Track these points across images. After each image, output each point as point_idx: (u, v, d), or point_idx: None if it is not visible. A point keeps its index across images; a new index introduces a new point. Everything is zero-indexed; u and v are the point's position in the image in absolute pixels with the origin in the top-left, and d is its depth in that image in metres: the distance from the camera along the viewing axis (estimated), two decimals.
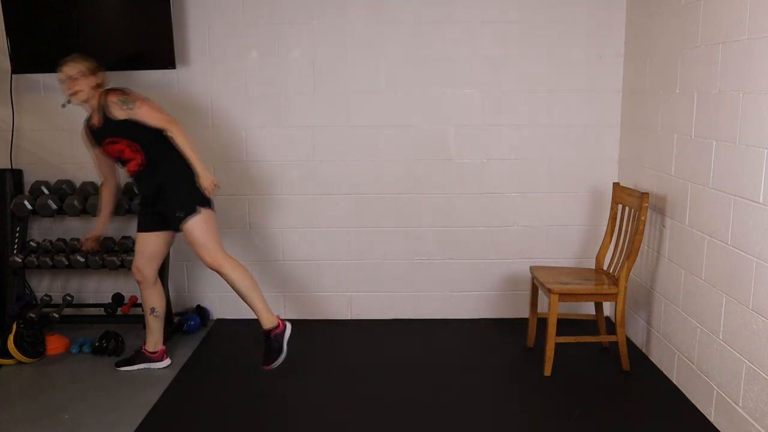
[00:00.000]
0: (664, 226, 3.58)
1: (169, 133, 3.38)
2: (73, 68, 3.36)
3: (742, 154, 2.80)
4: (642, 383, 3.49)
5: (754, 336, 2.73)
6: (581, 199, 4.31)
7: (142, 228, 3.61)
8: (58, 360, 3.87)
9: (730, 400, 2.91)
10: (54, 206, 4.13)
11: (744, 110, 2.78)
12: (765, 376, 2.65)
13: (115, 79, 4.20)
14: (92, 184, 4.25)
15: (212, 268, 3.43)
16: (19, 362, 3.79)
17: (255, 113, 4.24)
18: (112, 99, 3.36)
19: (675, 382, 3.44)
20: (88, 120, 3.50)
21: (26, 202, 4.14)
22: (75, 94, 3.35)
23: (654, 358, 3.72)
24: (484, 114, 4.22)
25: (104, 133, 3.42)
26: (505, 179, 4.29)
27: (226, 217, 4.36)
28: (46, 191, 4.21)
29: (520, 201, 4.31)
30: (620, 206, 3.83)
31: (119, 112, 3.34)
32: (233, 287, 3.45)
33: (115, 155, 3.48)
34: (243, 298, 3.46)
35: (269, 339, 3.43)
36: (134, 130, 3.37)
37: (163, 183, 3.47)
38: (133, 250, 4.20)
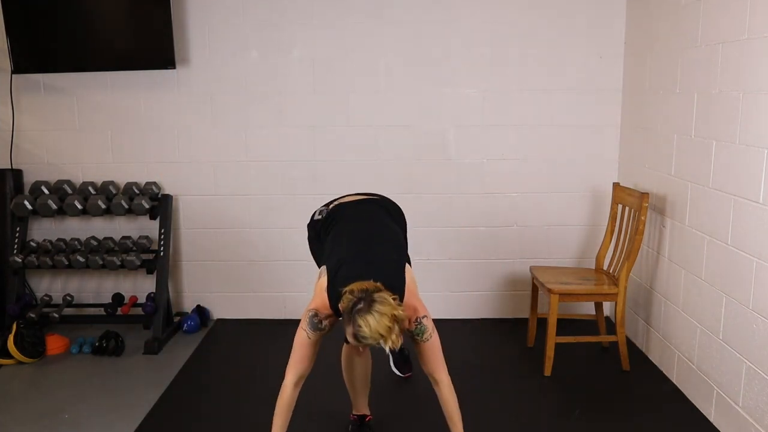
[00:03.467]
0: (664, 226, 3.58)
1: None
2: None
3: (742, 154, 2.80)
4: (642, 383, 3.49)
5: (754, 336, 2.73)
6: (581, 199, 4.31)
7: None
8: (58, 360, 3.87)
9: (730, 400, 2.91)
10: (54, 206, 4.13)
11: (744, 110, 2.78)
12: (765, 376, 2.65)
13: (115, 78, 4.22)
14: (92, 183, 4.25)
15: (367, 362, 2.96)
16: (19, 362, 3.79)
17: (255, 113, 4.24)
18: (410, 324, 2.58)
19: (675, 382, 3.44)
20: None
21: (26, 202, 4.14)
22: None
23: (654, 358, 3.72)
24: (483, 114, 4.22)
25: None
26: (505, 179, 4.29)
27: (226, 217, 4.36)
28: (46, 191, 4.21)
29: (520, 201, 4.31)
30: (620, 206, 3.83)
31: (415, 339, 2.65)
32: (370, 367, 3.00)
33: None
34: (369, 377, 3.01)
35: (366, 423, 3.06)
36: None
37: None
38: (133, 249, 4.21)
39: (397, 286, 2.50)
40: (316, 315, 2.55)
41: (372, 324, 2.27)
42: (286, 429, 2.58)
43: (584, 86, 4.17)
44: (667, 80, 3.52)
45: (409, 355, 3.38)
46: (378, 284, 2.39)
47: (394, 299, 2.35)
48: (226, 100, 4.24)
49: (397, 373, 3.39)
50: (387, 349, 2.33)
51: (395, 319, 2.31)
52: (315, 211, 2.94)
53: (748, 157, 2.75)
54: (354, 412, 3.06)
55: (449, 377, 2.62)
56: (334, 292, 2.50)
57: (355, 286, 2.38)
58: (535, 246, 4.36)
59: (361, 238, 2.69)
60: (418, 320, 2.57)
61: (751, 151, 2.73)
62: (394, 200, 3.03)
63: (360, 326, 2.28)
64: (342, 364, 2.98)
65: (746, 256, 2.78)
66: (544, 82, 4.17)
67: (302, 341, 2.56)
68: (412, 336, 2.60)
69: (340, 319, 2.48)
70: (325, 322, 2.57)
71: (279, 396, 2.58)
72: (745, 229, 2.80)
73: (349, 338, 2.39)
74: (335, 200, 2.96)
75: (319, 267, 2.78)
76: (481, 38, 4.13)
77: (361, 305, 2.30)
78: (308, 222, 2.96)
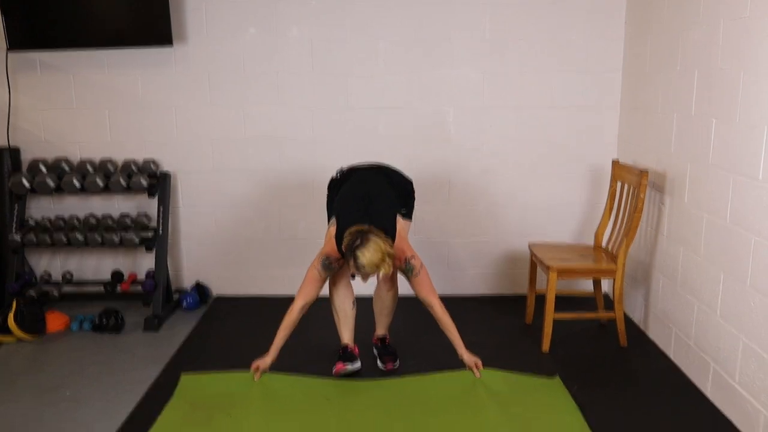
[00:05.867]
0: (663, 204, 3.58)
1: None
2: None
3: (742, 132, 2.79)
4: (639, 359, 3.52)
5: (751, 313, 2.74)
6: (580, 176, 4.31)
7: None
8: (59, 337, 3.89)
9: (726, 376, 2.94)
10: (52, 184, 4.12)
11: (744, 88, 2.77)
12: (761, 353, 2.67)
13: (112, 56, 4.19)
14: (90, 161, 4.24)
15: (385, 279, 3.39)
16: (20, 339, 3.81)
17: (253, 91, 4.22)
18: (401, 263, 3.19)
19: (672, 359, 3.47)
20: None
21: (24, 180, 4.13)
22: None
23: (652, 334, 3.75)
24: (483, 95, 4.20)
25: None
26: (504, 158, 4.28)
27: (225, 194, 4.36)
28: (44, 169, 4.19)
29: (519, 179, 4.31)
30: (619, 184, 3.83)
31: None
32: (388, 302, 3.48)
33: None
34: (387, 312, 3.52)
35: (387, 344, 3.54)
36: None
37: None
38: (132, 227, 4.20)
39: (388, 230, 3.06)
40: (328, 258, 3.17)
41: (368, 256, 2.87)
42: (286, 341, 3.24)
43: (584, 65, 4.15)
44: (667, 58, 3.50)
45: (395, 352, 3.50)
46: (371, 227, 2.98)
47: (384, 239, 2.93)
48: (224, 78, 4.21)
49: (381, 366, 3.43)
50: (380, 275, 3.07)
51: (386, 253, 2.90)
52: (335, 172, 3.49)
53: (748, 135, 2.75)
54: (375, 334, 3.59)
55: (440, 300, 3.22)
56: (340, 237, 3.05)
57: (354, 228, 2.98)
58: (534, 223, 4.36)
59: (362, 196, 3.25)
60: (407, 260, 3.17)
61: (751, 129, 2.73)
62: (403, 173, 3.52)
63: (358, 258, 2.88)
64: (371, 296, 3.55)
65: (745, 234, 2.78)
66: (544, 63, 4.15)
67: (313, 277, 3.18)
68: (404, 273, 3.21)
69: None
70: (335, 264, 3.19)
71: (286, 315, 3.21)
72: (744, 206, 2.80)
73: (352, 271, 3.01)
74: (351, 165, 3.50)
75: (330, 220, 3.34)
76: (481, 19, 4.10)
77: (358, 242, 2.90)
78: (328, 183, 3.50)
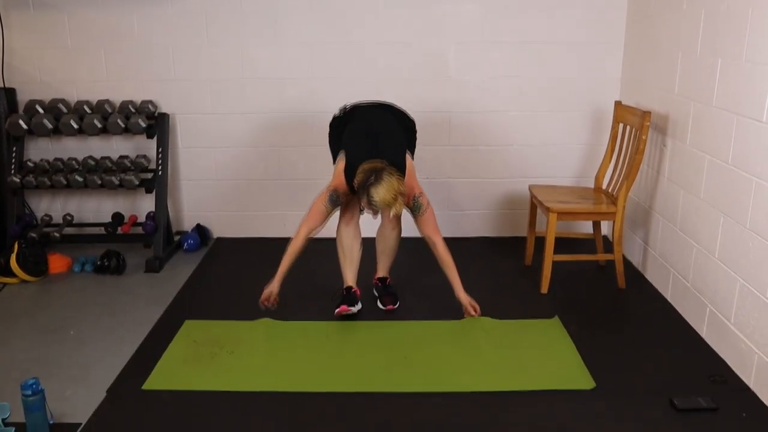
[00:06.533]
0: (664, 146, 3.56)
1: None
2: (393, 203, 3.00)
3: (748, 72, 2.75)
4: (637, 301, 3.55)
5: (749, 255, 2.75)
6: (582, 117, 4.27)
7: None
8: (61, 279, 3.92)
9: (722, 317, 2.97)
10: (50, 125, 4.08)
11: (751, 27, 2.72)
12: (758, 293, 2.69)
13: None
14: (87, 102, 4.20)
15: (391, 219, 3.43)
16: (23, 281, 3.84)
17: (251, 30, 4.14)
18: (409, 201, 3.20)
19: (669, 300, 3.50)
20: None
21: (21, 122, 4.09)
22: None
23: (650, 276, 3.77)
24: (484, 31, 4.13)
25: None
26: (505, 97, 4.23)
27: (224, 136, 4.32)
28: (40, 110, 4.15)
29: (520, 119, 4.27)
30: (621, 125, 3.80)
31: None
32: (391, 242, 3.52)
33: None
34: (389, 252, 3.55)
35: (388, 285, 3.56)
36: None
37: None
38: (131, 169, 4.19)
39: (399, 165, 3.10)
40: (335, 192, 3.21)
41: (381, 194, 2.93)
42: (290, 267, 3.29)
43: (588, 2, 4.06)
44: None
45: (396, 293, 3.52)
46: (385, 163, 3.02)
47: (398, 178, 2.98)
48: (221, 17, 4.13)
49: (381, 306, 3.46)
50: (391, 214, 3.08)
51: (399, 192, 2.96)
52: (337, 110, 3.48)
53: (754, 76, 2.70)
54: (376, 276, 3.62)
55: (443, 239, 3.27)
56: (350, 171, 3.11)
57: (368, 165, 3.02)
58: (534, 165, 4.35)
59: (371, 132, 3.27)
60: (415, 198, 3.20)
61: (756, 69, 2.69)
62: (407, 111, 3.53)
63: (372, 196, 2.94)
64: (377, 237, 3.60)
65: (746, 176, 2.77)
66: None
67: (318, 209, 3.23)
68: (411, 211, 3.24)
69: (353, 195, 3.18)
70: (342, 199, 3.25)
71: (291, 243, 3.27)
72: (746, 148, 2.78)
73: (364, 206, 3.07)
74: (354, 103, 3.49)
75: (335, 157, 3.38)
76: None
77: (372, 179, 2.95)
78: (330, 121, 3.48)
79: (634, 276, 3.82)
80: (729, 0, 2.89)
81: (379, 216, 3.42)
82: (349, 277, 3.45)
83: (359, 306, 3.40)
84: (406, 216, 3.30)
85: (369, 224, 3.51)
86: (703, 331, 3.14)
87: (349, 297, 3.39)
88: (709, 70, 3.07)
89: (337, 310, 3.33)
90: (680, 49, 3.36)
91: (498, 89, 4.21)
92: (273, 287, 3.31)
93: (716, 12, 3.00)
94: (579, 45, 4.14)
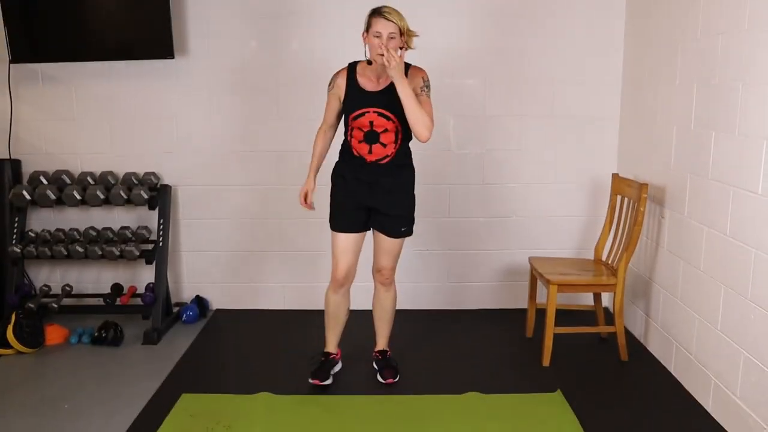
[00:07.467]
0: (663, 217, 3.58)
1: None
2: (395, 26, 2.93)
3: (742, 145, 2.80)
4: (640, 374, 3.50)
5: (752, 326, 2.73)
6: (580, 189, 4.31)
7: (345, 228, 3.30)
8: (58, 350, 3.88)
9: (727, 391, 2.92)
10: (53, 196, 4.12)
11: (743, 100, 2.78)
12: (762, 366, 2.66)
13: (113, 68, 4.20)
14: (90, 173, 4.24)
15: (383, 281, 3.39)
16: (19, 352, 3.80)
17: (254, 104, 4.23)
18: (424, 77, 3.11)
19: (673, 373, 3.45)
20: (354, 75, 3.16)
21: (25, 192, 4.13)
22: (389, 55, 2.88)
23: (652, 348, 3.73)
24: (484, 105, 4.22)
25: (379, 100, 3.10)
26: (504, 170, 4.28)
27: (225, 207, 4.35)
28: (44, 181, 4.20)
29: (519, 191, 4.31)
30: (619, 197, 3.83)
31: (416, 91, 3.02)
32: (387, 305, 3.44)
33: (366, 128, 3.14)
34: (387, 318, 3.47)
35: (388, 358, 3.50)
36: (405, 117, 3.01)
37: (397, 185, 3.24)
38: (132, 240, 4.20)
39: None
40: (332, 81, 3.20)
41: (389, 8, 2.92)
42: (320, 165, 3.35)
43: (584, 78, 4.17)
44: (666, 71, 3.51)
45: (396, 366, 3.47)
46: None
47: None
48: (225, 91, 4.23)
49: (382, 380, 3.42)
50: (398, 52, 2.93)
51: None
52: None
53: (748, 148, 2.75)
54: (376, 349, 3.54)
55: (432, 121, 3.01)
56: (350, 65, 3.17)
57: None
58: (534, 237, 4.36)
59: None
60: (426, 81, 3.10)
61: (750, 142, 2.73)
62: None
63: (381, 8, 2.91)
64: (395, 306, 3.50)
65: (745, 247, 2.78)
66: (544, 74, 4.16)
67: (326, 103, 3.26)
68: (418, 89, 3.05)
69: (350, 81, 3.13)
70: (339, 80, 3.17)
71: (315, 143, 3.32)
72: (743, 220, 2.80)
73: (373, 36, 2.93)
74: None
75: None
76: (483, 28, 4.12)
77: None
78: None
79: (637, 348, 3.78)
80: (720, 74, 2.96)
81: (373, 287, 3.40)
82: (331, 342, 3.45)
83: (330, 380, 3.37)
84: (401, 285, 3.25)
85: (364, 294, 3.50)
86: (709, 406, 3.09)
87: (323, 366, 3.38)
88: (703, 142, 3.12)
89: (310, 380, 3.33)
90: (675, 122, 3.42)
91: (497, 161, 4.27)
92: (308, 185, 3.29)
93: (708, 86, 3.07)
94: (576, 118, 4.22)
